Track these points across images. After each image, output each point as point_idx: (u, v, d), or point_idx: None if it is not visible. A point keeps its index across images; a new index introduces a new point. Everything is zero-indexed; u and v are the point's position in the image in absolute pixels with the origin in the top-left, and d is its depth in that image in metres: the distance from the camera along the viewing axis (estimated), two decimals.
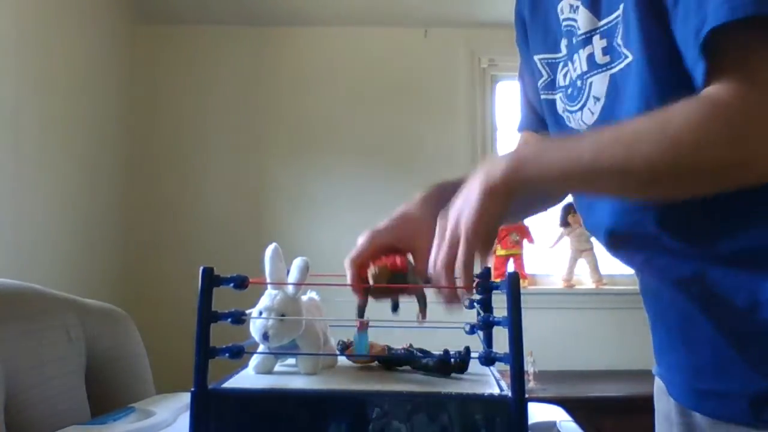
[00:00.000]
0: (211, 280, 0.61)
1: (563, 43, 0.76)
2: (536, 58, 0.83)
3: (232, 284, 0.64)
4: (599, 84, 0.70)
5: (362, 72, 2.81)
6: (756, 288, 0.61)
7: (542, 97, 0.83)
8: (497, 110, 2.86)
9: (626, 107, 0.66)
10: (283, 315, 0.67)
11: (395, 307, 0.75)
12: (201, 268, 0.62)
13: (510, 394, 0.58)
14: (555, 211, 2.76)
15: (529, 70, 0.86)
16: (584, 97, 0.73)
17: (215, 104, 2.81)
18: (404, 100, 2.78)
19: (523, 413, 0.57)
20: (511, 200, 0.64)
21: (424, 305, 0.73)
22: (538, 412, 0.98)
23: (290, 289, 0.69)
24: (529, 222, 2.74)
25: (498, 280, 0.65)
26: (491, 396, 0.60)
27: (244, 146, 2.80)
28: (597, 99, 0.71)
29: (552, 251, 2.80)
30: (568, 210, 2.72)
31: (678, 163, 0.57)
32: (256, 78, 2.81)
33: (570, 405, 1.11)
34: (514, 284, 0.58)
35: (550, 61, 0.80)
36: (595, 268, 2.69)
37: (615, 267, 2.74)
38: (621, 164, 0.60)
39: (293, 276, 0.70)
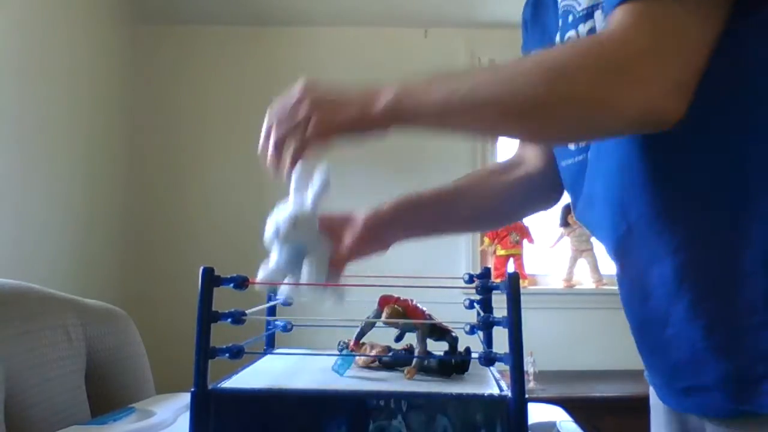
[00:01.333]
0: (211, 280, 0.61)
1: (558, 26, 0.76)
2: None
3: (232, 284, 0.64)
4: None
5: (362, 72, 2.80)
6: (728, 272, 0.61)
7: None
8: None
9: None
10: (296, 219, 0.67)
11: (399, 338, 0.77)
12: (201, 268, 0.62)
13: (510, 394, 0.58)
14: (555, 212, 2.76)
15: None
16: None
17: (215, 104, 2.81)
18: None
19: (523, 413, 0.57)
20: (382, 129, 0.66)
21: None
22: (538, 412, 0.98)
23: (309, 203, 0.69)
24: (529, 222, 2.74)
25: (498, 280, 0.65)
26: (491, 396, 0.60)
27: (244, 146, 2.79)
28: None
29: (552, 251, 2.80)
30: (568, 210, 2.72)
31: (550, 93, 0.59)
32: (256, 78, 2.81)
33: (570, 405, 1.11)
34: (514, 284, 0.58)
35: None
36: (595, 268, 2.69)
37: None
38: (496, 93, 0.61)
39: (314, 187, 0.69)
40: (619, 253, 0.74)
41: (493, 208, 0.93)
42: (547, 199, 0.94)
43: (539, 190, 0.92)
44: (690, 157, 0.63)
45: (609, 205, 0.71)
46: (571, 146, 0.77)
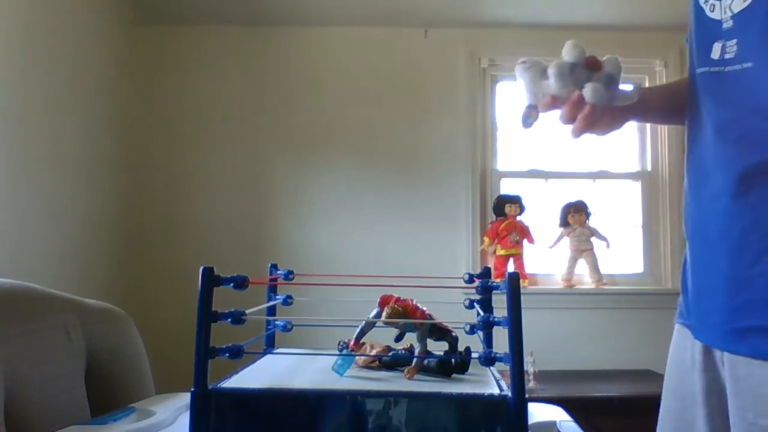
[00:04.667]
0: (211, 280, 0.61)
1: None
2: None
3: (232, 284, 0.64)
4: None
5: (362, 72, 2.81)
6: None
7: None
8: (497, 110, 2.86)
9: None
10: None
11: (399, 338, 0.77)
12: (201, 268, 0.62)
13: (510, 394, 0.58)
14: (555, 211, 2.76)
15: None
16: None
17: (215, 104, 2.81)
18: (404, 101, 2.78)
19: (523, 413, 0.57)
20: None
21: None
22: (538, 412, 0.98)
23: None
24: (529, 222, 2.74)
25: (498, 280, 0.65)
26: (491, 396, 0.60)
27: (244, 146, 2.80)
28: None
29: (552, 251, 2.80)
30: (568, 210, 2.72)
31: None
32: (256, 78, 2.81)
33: (570, 405, 1.11)
34: (514, 284, 0.59)
35: None
36: (595, 268, 2.69)
37: (615, 267, 2.75)
38: None
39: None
40: (749, 171, 0.71)
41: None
42: None
43: None
44: None
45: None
46: (715, 55, 0.76)
